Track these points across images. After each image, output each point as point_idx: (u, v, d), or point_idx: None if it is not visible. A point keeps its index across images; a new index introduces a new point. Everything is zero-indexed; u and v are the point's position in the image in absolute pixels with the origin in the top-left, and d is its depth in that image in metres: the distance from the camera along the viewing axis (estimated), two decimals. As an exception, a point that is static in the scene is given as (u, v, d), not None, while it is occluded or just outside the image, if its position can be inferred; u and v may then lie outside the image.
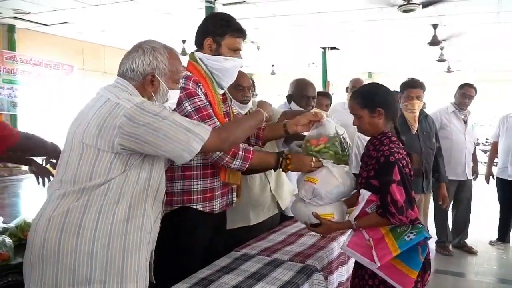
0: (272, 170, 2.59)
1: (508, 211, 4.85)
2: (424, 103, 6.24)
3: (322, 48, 9.92)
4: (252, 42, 9.01)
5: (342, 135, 2.02)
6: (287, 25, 7.62)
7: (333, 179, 1.94)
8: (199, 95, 1.96)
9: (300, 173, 2.08)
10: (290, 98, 3.09)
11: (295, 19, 7.13)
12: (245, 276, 1.81)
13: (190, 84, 1.95)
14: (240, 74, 2.55)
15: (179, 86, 1.78)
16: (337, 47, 9.84)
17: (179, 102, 1.91)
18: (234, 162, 1.93)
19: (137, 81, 1.58)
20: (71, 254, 1.44)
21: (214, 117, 1.96)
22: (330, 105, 4.03)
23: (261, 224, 2.55)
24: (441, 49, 8.86)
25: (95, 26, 7.97)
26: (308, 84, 3.08)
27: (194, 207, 2.03)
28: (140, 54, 1.58)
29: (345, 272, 2.41)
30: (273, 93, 10.73)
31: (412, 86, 3.50)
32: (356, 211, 1.91)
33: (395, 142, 1.93)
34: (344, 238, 2.41)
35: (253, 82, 4.27)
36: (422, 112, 3.69)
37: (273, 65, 12.26)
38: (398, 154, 1.85)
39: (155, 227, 1.66)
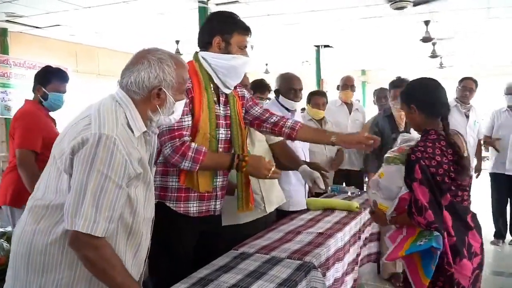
0: None
1: (504, 206, 4.85)
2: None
3: (316, 46, 9.93)
4: (245, 41, 9.02)
5: None
6: (280, 24, 7.63)
7: (398, 179, 1.94)
8: None
9: None
10: (278, 92, 3.18)
11: (288, 18, 7.15)
12: (244, 274, 1.83)
13: None
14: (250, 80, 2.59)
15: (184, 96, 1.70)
16: (330, 45, 9.85)
17: None
18: (183, 163, 1.92)
19: (142, 95, 1.49)
20: (54, 273, 1.42)
21: (184, 116, 1.92)
22: (326, 104, 4.05)
23: (253, 223, 2.54)
24: (433, 45, 8.90)
25: (88, 28, 7.94)
26: (293, 77, 3.19)
27: (168, 204, 2.02)
28: (146, 67, 1.47)
29: (341, 268, 2.44)
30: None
31: (398, 86, 3.61)
32: (391, 207, 1.95)
33: (429, 140, 1.90)
34: (340, 235, 2.44)
35: (269, 88, 4.12)
36: None
37: (267, 64, 12.27)
38: (422, 152, 1.83)
39: (137, 260, 1.59)
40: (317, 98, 3.97)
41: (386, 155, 2.06)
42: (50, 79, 3.02)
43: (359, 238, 2.92)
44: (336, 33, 8.47)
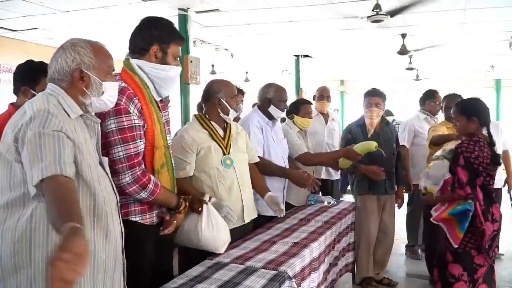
0: (247, 180, 2.64)
1: None
2: (391, 112, 6.40)
3: (295, 56, 10.03)
4: (225, 49, 9.04)
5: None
6: (260, 33, 7.68)
7: (443, 169, 2.83)
8: (129, 113, 1.86)
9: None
10: (269, 102, 3.15)
11: (268, 27, 7.19)
12: (218, 284, 1.83)
13: (123, 100, 1.84)
14: (234, 86, 2.63)
15: (115, 77, 1.70)
16: (309, 55, 9.96)
17: (106, 117, 1.80)
18: (141, 193, 1.88)
19: (67, 81, 1.54)
20: (26, 269, 1.40)
21: (138, 141, 1.88)
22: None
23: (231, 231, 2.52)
24: (410, 57, 9.09)
25: (66, 32, 7.84)
26: (284, 89, 3.25)
27: (133, 219, 1.95)
28: (61, 53, 1.54)
29: (316, 278, 2.45)
30: (247, 99, 10.73)
31: (372, 94, 3.73)
32: (437, 188, 2.86)
33: (472, 141, 2.72)
34: (315, 245, 2.46)
35: (242, 92, 4.62)
36: (383, 119, 3.83)
37: (247, 72, 12.31)
38: (466, 147, 2.69)
39: (110, 243, 1.57)
40: (308, 106, 3.89)
41: (434, 155, 3.04)
42: (38, 78, 2.34)
43: (333, 248, 2.94)
44: (315, 43, 8.57)
